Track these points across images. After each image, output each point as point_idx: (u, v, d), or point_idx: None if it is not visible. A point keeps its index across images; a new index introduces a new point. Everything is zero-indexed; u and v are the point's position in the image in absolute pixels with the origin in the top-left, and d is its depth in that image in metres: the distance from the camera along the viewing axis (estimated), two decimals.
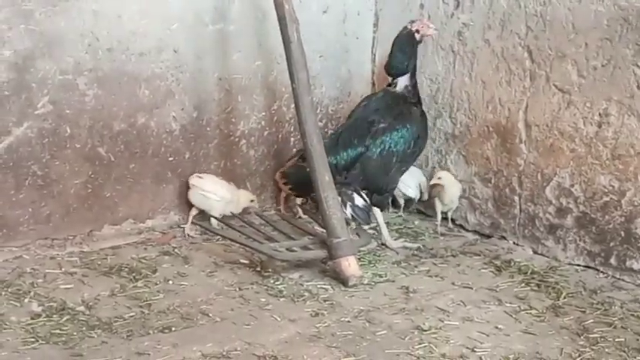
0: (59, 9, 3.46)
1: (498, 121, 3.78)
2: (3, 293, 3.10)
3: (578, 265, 3.52)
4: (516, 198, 3.75)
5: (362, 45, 4.39)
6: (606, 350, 2.79)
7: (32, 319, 2.90)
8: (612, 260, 3.41)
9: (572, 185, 3.52)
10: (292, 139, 4.24)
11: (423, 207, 4.18)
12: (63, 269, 3.37)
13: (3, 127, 3.42)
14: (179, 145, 3.89)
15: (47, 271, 3.34)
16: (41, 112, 3.50)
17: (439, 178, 3.88)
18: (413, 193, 4.06)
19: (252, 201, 3.93)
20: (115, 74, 3.64)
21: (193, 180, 3.81)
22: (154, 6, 3.68)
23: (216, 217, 3.80)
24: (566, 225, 3.56)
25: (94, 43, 3.56)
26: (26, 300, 3.05)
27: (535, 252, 3.68)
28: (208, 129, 3.97)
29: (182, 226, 3.86)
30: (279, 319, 2.97)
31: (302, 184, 3.71)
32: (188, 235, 3.81)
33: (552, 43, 3.51)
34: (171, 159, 3.87)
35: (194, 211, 3.83)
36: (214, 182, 3.83)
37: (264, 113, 4.13)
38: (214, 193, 3.79)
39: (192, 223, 3.82)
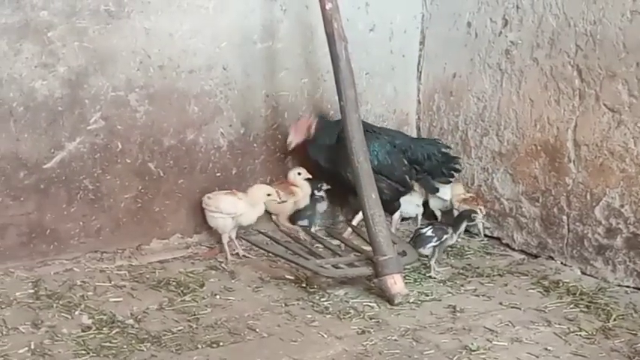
0: (112, 27, 3.55)
1: (547, 140, 3.75)
2: (54, 305, 3.16)
3: (628, 287, 3.46)
4: (564, 218, 3.71)
5: (408, 63, 4.40)
6: None
7: (83, 331, 2.95)
8: None
9: (622, 205, 3.47)
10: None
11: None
12: (112, 282, 3.42)
13: (56, 142, 3.51)
14: (226, 161, 3.93)
15: (97, 283, 3.40)
16: (93, 128, 3.58)
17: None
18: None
19: (269, 195, 3.77)
20: (165, 91, 3.71)
21: (204, 201, 3.77)
22: (204, 25, 3.75)
23: (263, 232, 3.83)
24: (616, 246, 3.51)
25: (145, 60, 3.64)
26: (77, 312, 3.11)
27: (583, 273, 3.63)
28: (255, 145, 4.01)
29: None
30: (325, 336, 2.97)
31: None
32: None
33: (602, 62, 3.47)
34: (218, 174, 3.92)
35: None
36: (221, 200, 3.74)
37: None
38: (220, 212, 3.72)
39: (239, 237, 3.85)
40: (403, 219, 4.24)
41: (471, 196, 4.04)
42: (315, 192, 4.03)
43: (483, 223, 4.01)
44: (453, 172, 4.12)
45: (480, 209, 3.93)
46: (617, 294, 3.40)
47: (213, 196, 3.76)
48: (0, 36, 3.33)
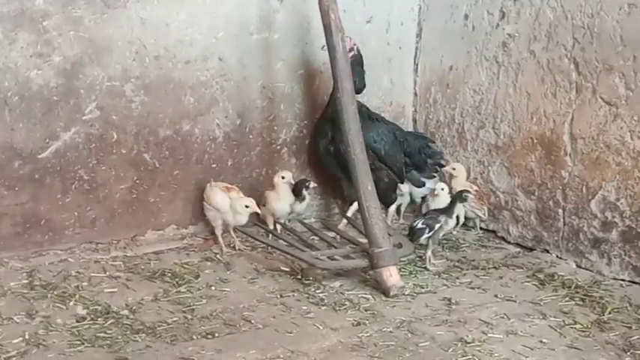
0: (108, 17, 3.53)
1: (543, 133, 3.75)
2: (49, 296, 3.15)
3: (623, 280, 3.47)
4: (560, 211, 3.72)
5: (405, 55, 4.40)
6: None
7: (77, 321, 2.95)
8: None
9: (618, 199, 3.47)
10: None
11: None
12: (107, 273, 3.41)
13: (51, 132, 3.50)
14: (222, 152, 3.92)
15: (92, 274, 3.39)
16: (89, 118, 3.57)
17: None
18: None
19: (247, 207, 3.63)
20: (161, 81, 3.69)
21: (206, 187, 3.74)
22: (200, 15, 3.73)
23: (259, 224, 3.81)
24: (611, 239, 3.52)
25: (141, 50, 3.62)
26: (71, 303, 3.10)
27: (579, 266, 3.64)
28: (251, 136, 4.00)
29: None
30: (321, 328, 2.97)
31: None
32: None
33: (599, 55, 3.47)
34: (214, 166, 3.91)
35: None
36: (214, 193, 3.71)
37: (306, 122, 4.15)
38: (209, 204, 3.72)
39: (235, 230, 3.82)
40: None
41: (476, 191, 4.00)
42: (303, 190, 3.92)
43: (480, 218, 4.02)
44: (437, 167, 4.15)
45: (484, 209, 3.96)
46: (612, 287, 3.41)
47: (213, 186, 3.74)
48: None
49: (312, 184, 3.96)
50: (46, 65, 3.43)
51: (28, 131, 3.44)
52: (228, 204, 3.67)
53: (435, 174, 4.16)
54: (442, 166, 4.17)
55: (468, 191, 3.69)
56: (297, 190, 3.92)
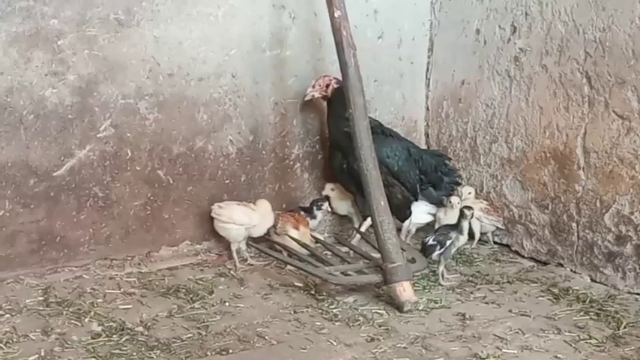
0: (122, 35, 3.56)
1: (556, 147, 3.75)
2: (64, 313, 3.17)
3: (638, 294, 3.45)
4: (574, 225, 3.70)
5: (416, 70, 4.40)
6: None
7: (93, 338, 2.96)
8: None
9: (632, 213, 3.45)
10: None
11: None
12: (122, 289, 3.43)
13: (66, 150, 3.53)
14: (235, 168, 3.94)
15: (107, 291, 3.41)
16: (103, 135, 3.60)
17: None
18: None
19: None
20: (174, 99, 3.72)
21: (214, 210, 3.74)
22: (213, 33, 3.76)
23: (271, 239, 3.82)
24: (626, 253, 3.50)
25: (155, 68, 3.65)
26: (86, 319, 3.12)
27: (593, 280, 3.62)
28: (264, 152, 4.02)
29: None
30: (334, 344, 2.97)
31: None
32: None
33: (612, 69, 3.47)
34: (227, 182, 3.92)
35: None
36: (232, 210, 3.73)
37: (318, 137, 4.16)
38: (232, 222, 3.71)
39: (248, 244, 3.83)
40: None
41: (488, 204, 4.00)
42: (314, 208, 3.98)
43: (494, 231, 4.01)
44: (453, 185, 4.13)
45: (501, 220, 3.96)
46: (627, 301, 3.39)
47: (225, 206, 3.75)
48: (10, 44, 3.35)
49: (326, 207, 3.98)
50: (60, 84, 3.47)
51: (44, 149, 3.48)
52: (255, 217, 3.70)
53: (452, 192, 4.12)
54: (458, 184, 4.14)
55: (469, 207, 3.67)
56: (308, 208, 3.97)
